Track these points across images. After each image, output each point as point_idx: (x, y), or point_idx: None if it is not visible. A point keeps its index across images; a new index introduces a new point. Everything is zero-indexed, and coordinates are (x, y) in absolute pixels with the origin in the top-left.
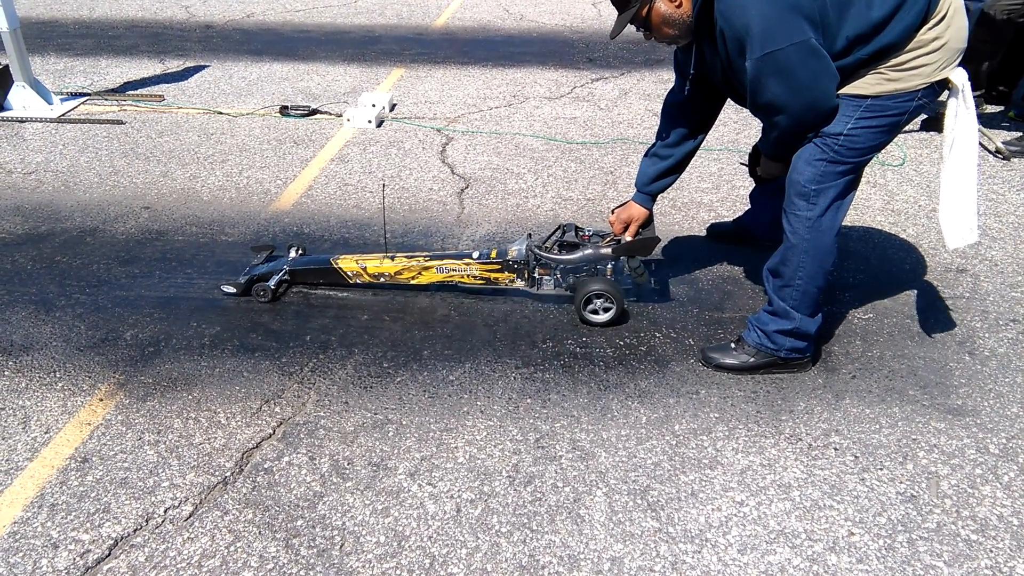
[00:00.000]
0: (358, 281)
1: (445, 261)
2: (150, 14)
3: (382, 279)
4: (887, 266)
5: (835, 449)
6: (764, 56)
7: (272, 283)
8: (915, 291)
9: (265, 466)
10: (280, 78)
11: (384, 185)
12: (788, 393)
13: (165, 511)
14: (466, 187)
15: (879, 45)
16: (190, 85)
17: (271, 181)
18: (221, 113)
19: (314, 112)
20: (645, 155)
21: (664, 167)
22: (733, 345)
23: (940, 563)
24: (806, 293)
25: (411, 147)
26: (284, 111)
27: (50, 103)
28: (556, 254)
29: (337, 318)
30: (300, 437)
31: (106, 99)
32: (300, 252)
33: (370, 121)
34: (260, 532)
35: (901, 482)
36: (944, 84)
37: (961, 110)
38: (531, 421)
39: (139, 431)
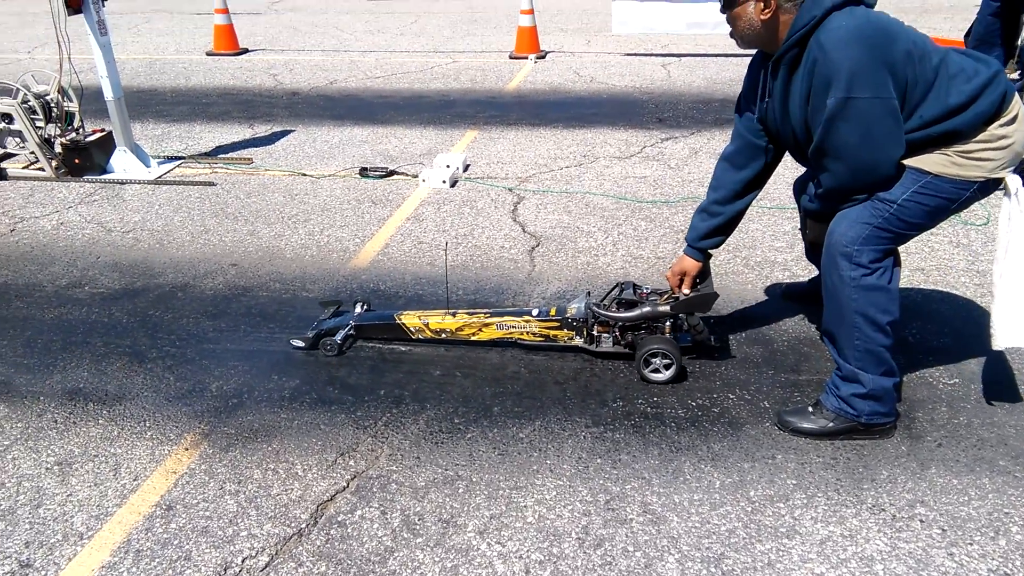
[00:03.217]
0: (420, 336)
1: (505, 318)
2: (241, 82)
3: (443, 335)
4: (973, 329)
5: (921, 521)
6: (848, 99)
7: (339, 338)
8: (1004, 356)
9: (339, 519)
10: (360, 141)
11: (447, 244)
12: (870, 460)
13: (243, 560)
14: (537, 245)
15: (949, 128)
16: (277, 148)
17: (350, 239)
18: (305, 175)
19: (391, 173)
20: (697, 210)
21: (715, 224)
22: (811, 409)
23: None
24: (868, 352)
25: (483, 206)
26: (363, 172)
27: (148, 166)
28: (615, 312)
29: (410, 373)
30: (373, 491)
31: (199, 162)
32: (365, 307)
33: (444, 181)
34: None
35: (993, 558)
36: (997, 183)
37: (1015, 212)
38: (601, 482)
39: (221, 480)
